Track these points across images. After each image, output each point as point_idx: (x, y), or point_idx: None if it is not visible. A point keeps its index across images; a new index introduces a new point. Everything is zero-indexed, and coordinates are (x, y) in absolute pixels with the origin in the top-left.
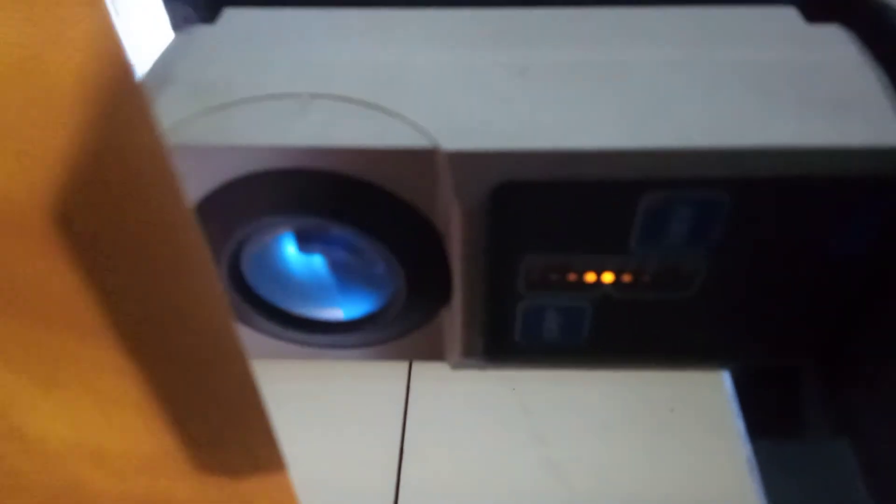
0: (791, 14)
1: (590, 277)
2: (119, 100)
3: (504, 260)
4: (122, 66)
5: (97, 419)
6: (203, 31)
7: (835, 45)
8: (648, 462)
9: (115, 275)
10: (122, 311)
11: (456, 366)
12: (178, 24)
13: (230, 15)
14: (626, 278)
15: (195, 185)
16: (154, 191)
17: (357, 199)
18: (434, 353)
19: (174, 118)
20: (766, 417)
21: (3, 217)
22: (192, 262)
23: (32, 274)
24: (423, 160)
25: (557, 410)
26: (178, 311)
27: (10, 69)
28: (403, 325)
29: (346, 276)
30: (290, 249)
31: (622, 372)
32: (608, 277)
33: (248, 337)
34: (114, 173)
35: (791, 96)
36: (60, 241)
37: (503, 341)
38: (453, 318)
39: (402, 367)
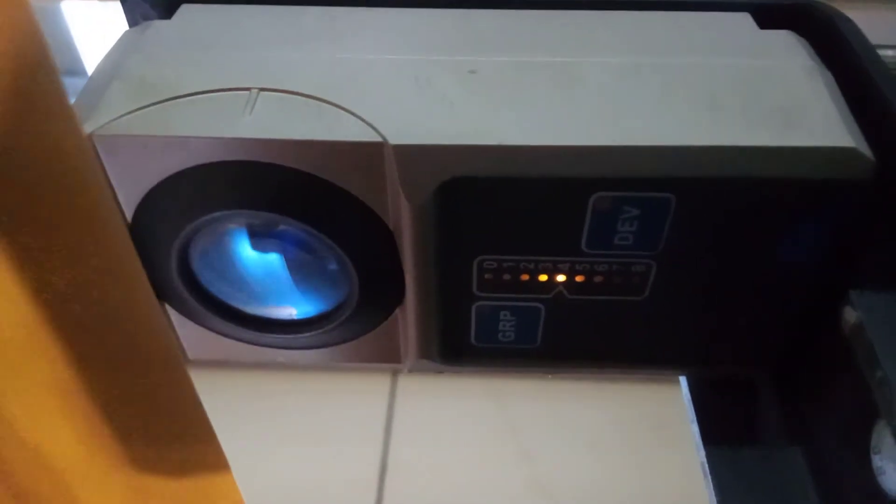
0: (745, 20)
1: (543, 278)
2: (35, 92)
3: (456, 260)
4: (38, 54)
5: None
6: (156, 26)
7: (786, 50)
8: (633, 479)
9: (45, 273)
10: (53, 309)
11: (412, 369)
12: (135, 20)
13: (185, 11)
14: (579, 279)
15: (141, 179)
16: (77, 186)
17: (306, 194)
18: (389, 355)
19: (120, 111)
20: (721, 424)
21: None
22: (122, 261)
23: None
24: (371, 155)
25: (543, 426)
26: (109, 310)
27: None
28: (357, 325)
29: (299, 274)
30: (242, 247)
31: (605, 388)
32: (561, 278)
33: (201, 337)
34: (33, 167)
35: (739, 99)
36: None
37: (458, 343)
38: (407, 319)
39: (384, 382)
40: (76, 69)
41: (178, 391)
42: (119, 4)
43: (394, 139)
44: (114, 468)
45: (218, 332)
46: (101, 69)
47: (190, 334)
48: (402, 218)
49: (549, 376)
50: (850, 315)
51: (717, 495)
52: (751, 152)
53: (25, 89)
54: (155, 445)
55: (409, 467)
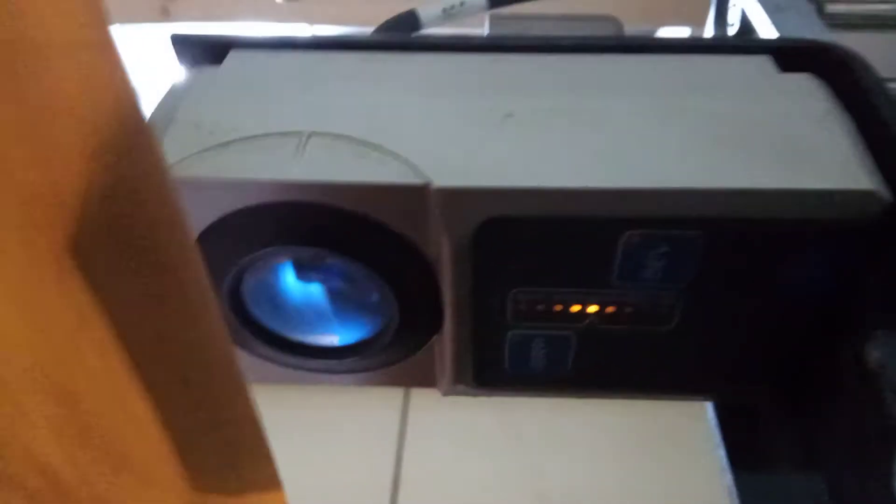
0: (765, 63)
1: (575, 308)
2: (130, 142)
3: (492, 292)
4: (132, 109)
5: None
6: (207, 72)
7: (805, 93)
8: (639, 493)
9: (122, 309)
10: (131, 343)
11: (447, 392)
12: (186, 64)
13: (235, 57)
14: (610, 310)
15: (198, 218)
16: (163, 228)
17: (352, 231)
18: (425, 379)
19: (177, 156)
20: (746, 449)
21: (21, 255)
22: (197, 296)
23: (44, 304)
24: (415, 196)
25: (551, 440)
26: (184, 343)
27: (26, 113)
28: (396, 352)
29: (342, 303)
30: (288, 278)
31: (615, 403)
32: (592, 309)
33: (245, 361)
34: (126, 214)
35: (761, 142)
36: (73, 276)
37: (492, 369)
38: (444, 346)
39: (397, 397)
40: None
41: (247, 420)
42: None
43: (437, 182)
44: (171, 489)
45: (262, 357)
46: (156, 115)
47: (242, 362)
48: (443, 253)
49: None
50: (873, 354)
51: None
52: (774, 195)
53: (125, 140)
54: (218, 470)
55: (422, 480)
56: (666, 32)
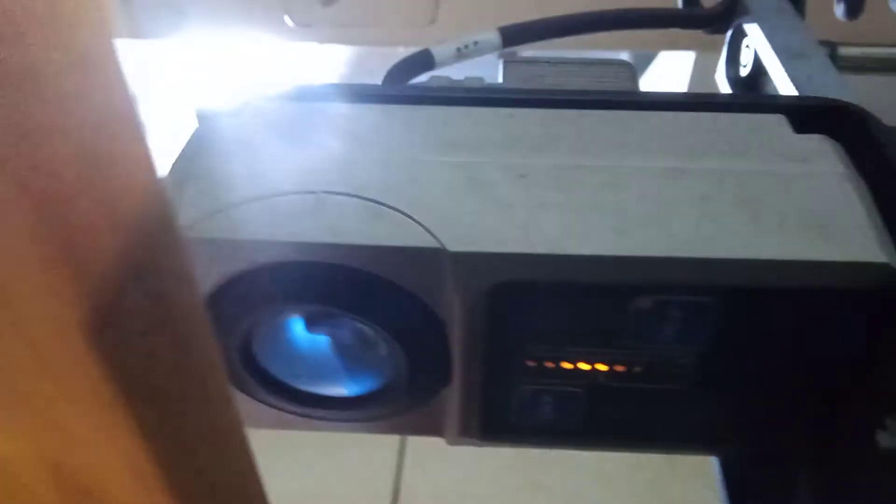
0: (780, 122)
1: (584, 367)
2: (154, 227)
3: (502, 352)
4: (158, 198)
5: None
6: (224, 124)
7: (820, 156)
8: None
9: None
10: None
11: (453, 443)
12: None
13: (252, 106)
14: (619, 368)
15: (212, 275)
16: (183, 304)
17: (363, 291)
18: (432, 429)
19: (193, 215)
20: (753, 501)
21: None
22: (202, 352)
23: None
24: (429, 259)
25: (556, 456)
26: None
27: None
28: (404, 403)
29: (351, 357)
30: (298, 331)
31: None
32: (602, 367)
33: (253, 408)
34: (148, 299)
35: (775, 209)
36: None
37: (499, 423)
38: (452, 399)
39: None
40: None
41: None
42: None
43: (451, 246)
44: None
45: (268, 405)
46: (174, 170)
47: (254, 410)
48: (454, 313)
49: None
50: (886, 440)
51: None
52: (787, 266)
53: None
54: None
55: (422, 490)
56: (670, 58)
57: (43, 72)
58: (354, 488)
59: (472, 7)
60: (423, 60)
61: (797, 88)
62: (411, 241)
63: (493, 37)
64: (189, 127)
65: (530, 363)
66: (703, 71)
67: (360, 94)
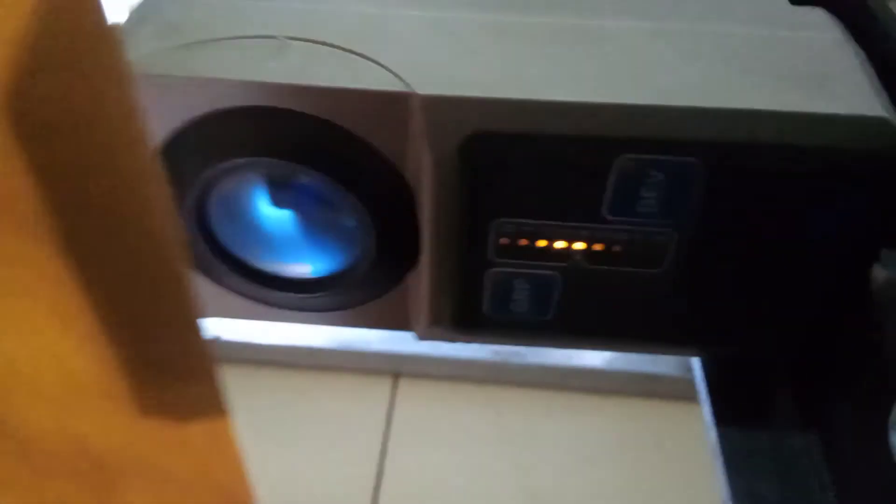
0: None
1: (560, 245)
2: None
3: (473, 221)
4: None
5: (36, 337)
6: None
7: (817, 24)
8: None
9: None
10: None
11: (423, 336)
12: None
13: None
14: (597, 247)
15: (163, 121)
16: (112, 110)
17: (327, 144)
18: (400, 321)
19: (145, 52)
20: (734, 407)
21: None
22: (143, 175)
23: None
24: (397, 105)
25: (539, 436)
26: (124, 218)
27: None
28: (370, 288)
29: (317, 230)
30: (260, 202)
31: (601, 400)
32: (579, 246)
33: (210, 293)
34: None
35: (769, 67)
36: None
37: (472, 311)
38: (421, 283)
39: (385, 388)
40: None
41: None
42: None
43: (422, 90)
44: (115, 407)
45: (233, 291)
46: (132, 16)
47: (206, 292)
48: (423, 173)
49: (550, 388)
50: (880, 273)
51: (729, 479)
52: (780, 118)
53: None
54: (157, 380)
55: (405, 474)
56: None
57: None
58: (336, 472)
59: None
60: None
61: None
62: (378, 84)
63: None
64: None
65: (503, 241)
66: None
67: None
